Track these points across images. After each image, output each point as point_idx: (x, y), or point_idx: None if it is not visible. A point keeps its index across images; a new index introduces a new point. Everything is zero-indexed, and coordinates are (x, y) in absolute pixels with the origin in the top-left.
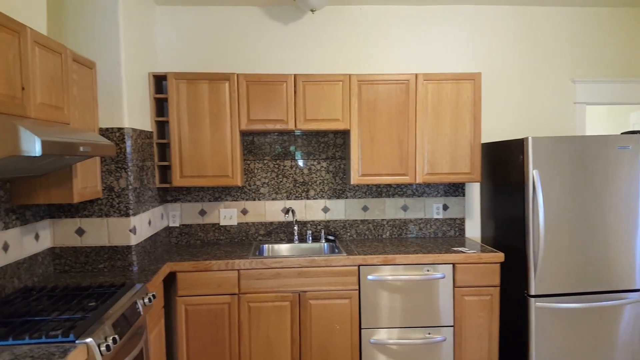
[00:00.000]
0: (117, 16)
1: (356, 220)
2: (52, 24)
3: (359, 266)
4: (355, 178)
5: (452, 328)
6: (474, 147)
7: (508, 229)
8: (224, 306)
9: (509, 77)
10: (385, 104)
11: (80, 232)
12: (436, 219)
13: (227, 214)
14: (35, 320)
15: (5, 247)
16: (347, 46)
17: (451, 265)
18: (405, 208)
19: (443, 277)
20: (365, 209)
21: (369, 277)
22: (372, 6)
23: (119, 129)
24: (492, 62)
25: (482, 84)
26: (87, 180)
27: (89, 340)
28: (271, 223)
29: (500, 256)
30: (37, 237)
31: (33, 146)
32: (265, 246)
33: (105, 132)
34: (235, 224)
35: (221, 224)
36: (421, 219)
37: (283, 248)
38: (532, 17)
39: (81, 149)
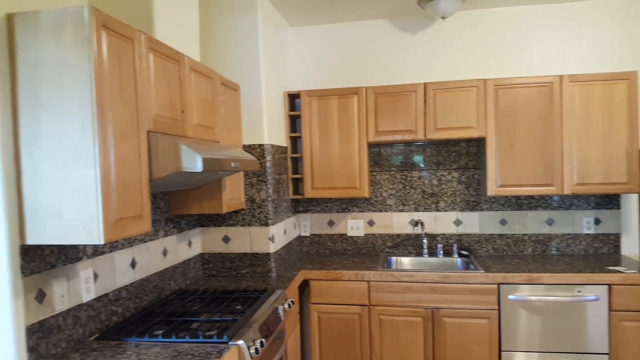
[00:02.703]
0: (257, 41)
1: (493, 234)
2: (202, 50)
3: (498, 284)
4: (492, 189)
5: (606, 356)
6: (631, 154)
7: None
8: (355, 316)
9: None
10: (526, 108)
11: (226, 239)
12: (586, 234)
13: (354, 225)
14: (191, 320)
15: (165, 253)
16: (479, 51)
17: (606, 286)
18: (550, 222)
19: (597, 300)
20: (503, 222)
21: (510, 296)
22: (506, 8)
23: (260, 146)
24: None
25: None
26: (233, 193)
27: (240, 342)
28: (398, 235)
29: None
30: (189, 244)
31: (195, 163)
32: (393, 259)
33: (247, 149)
34: (362, 235)
35: (348, 235)
36: (569, 234)
37: (412, 261)
38: None
39: (232, 164)
